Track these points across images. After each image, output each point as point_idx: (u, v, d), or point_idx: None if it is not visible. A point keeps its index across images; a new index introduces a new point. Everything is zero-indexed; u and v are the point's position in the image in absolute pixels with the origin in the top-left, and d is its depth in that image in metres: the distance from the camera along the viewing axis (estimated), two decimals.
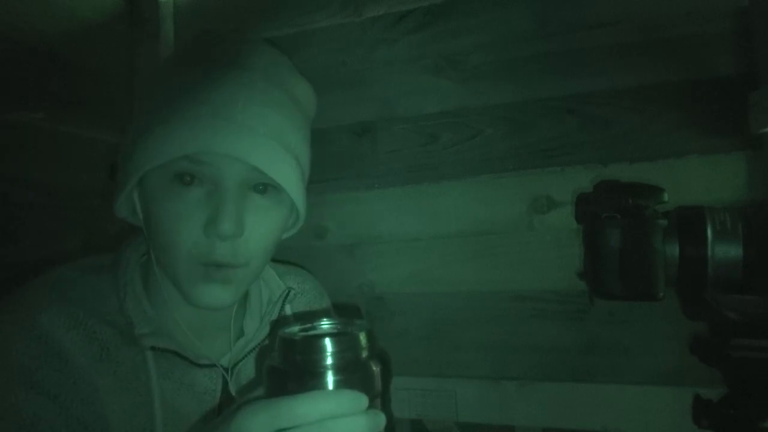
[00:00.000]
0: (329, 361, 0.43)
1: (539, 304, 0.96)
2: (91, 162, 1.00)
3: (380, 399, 0.45)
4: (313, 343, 0.43)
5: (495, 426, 0.98)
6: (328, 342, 0.43)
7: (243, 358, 0.68)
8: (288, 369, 0.44)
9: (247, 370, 0.69)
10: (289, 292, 0.73)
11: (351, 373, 0.43)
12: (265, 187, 0.60)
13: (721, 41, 0.86)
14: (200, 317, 0.65)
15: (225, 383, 0.66)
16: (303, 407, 0.41)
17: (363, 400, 0.42)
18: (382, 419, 0.43)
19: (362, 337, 0.45)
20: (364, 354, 0.45)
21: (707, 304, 0.54)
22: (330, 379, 0.43)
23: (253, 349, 0.69)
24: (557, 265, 0.94)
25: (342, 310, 0.96)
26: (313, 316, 0.59)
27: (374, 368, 0.45)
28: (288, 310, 0.74)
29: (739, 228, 0.53)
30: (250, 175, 0.58)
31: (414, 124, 1.04)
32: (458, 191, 1.01)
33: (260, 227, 0.60)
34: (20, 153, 0.90)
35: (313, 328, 0.47)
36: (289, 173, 0.60)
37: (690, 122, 0.88)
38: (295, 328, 0.47)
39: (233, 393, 0.66)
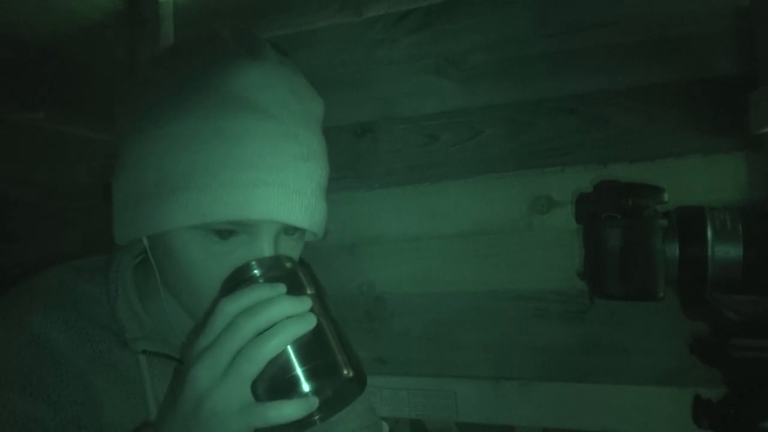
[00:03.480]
0: (255, 273, 0.48)
1: (539, 304, 0.96)
2: (91, 162, 1.00)
3: (315, 302, 0.48)
4: (242, 266, 0.49)
5: (495, 426, 0.98)
6: (253, 262, 0.49)
7: None
8: (222, 295, 0.48)
9: None
10: None
11: (276, 280, 0.47)
12: (297, 232, 0.59)
13: (721, 41, 0.86)
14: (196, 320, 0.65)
15: None
16: (223, 310, 0.44)
17: (281, 287, 0.45)
18: (306, 300, 0.46)
19: (284, 258, 0.51)
20: (288, 265, 0.50)
21: (707, 304, 0.54)
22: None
23: None
24: (557, 265, 0.94)
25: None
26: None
27: (299, 273, 0.49)
28: None
29: (739, 228, 0.53)
30: (288, 227, 0.56)
31: (414, 124, 1.04)
32: (458, 191, 1.01)
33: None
34: (20, 153, 0.90)
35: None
36: (324, 218, 0.59)
37: (690, 122, 0.88)
38: None
39: None
